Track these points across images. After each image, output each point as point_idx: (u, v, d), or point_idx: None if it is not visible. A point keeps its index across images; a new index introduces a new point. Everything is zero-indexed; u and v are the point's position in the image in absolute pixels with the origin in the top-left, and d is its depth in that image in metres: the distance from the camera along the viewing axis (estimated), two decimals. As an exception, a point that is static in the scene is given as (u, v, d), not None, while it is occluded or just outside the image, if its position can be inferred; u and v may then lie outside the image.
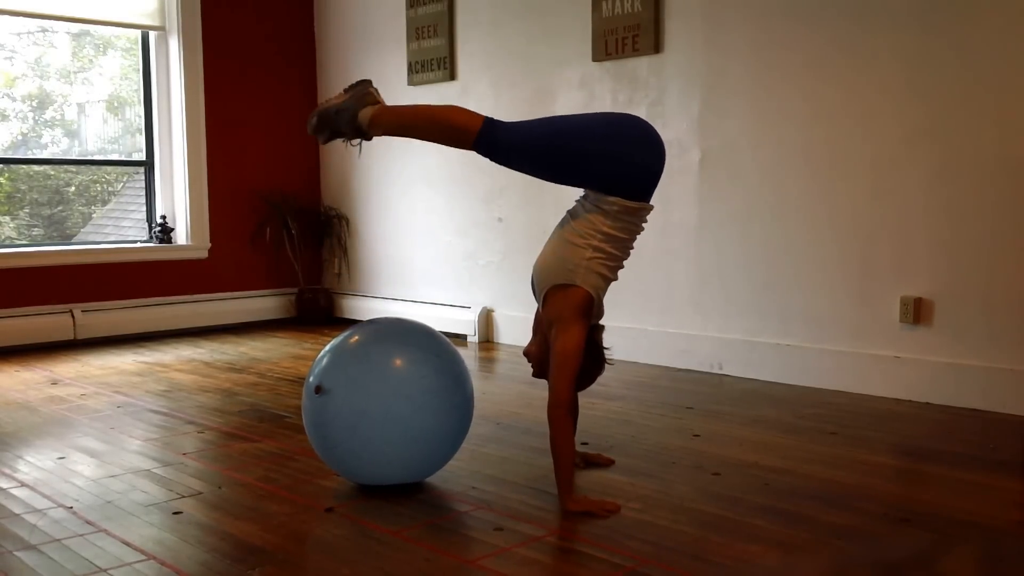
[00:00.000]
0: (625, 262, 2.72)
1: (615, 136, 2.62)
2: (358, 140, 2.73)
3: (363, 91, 2.69)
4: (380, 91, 2.78)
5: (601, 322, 2.82)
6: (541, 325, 2.78)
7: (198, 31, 6.02)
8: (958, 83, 3.66)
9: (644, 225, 2.69)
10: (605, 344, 2.83)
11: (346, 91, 2.72)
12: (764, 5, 4.21)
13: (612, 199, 2.58)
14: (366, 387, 2.59)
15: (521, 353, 2.94)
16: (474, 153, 2.67)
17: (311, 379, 2.66)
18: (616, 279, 2.71)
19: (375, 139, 2.76)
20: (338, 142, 2.78)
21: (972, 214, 3.65)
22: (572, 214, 2.69)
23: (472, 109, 2.68)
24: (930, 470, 2.92)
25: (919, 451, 3.13)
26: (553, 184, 2.75)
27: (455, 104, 2.73)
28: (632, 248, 2.71)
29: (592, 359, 2.74)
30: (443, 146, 2.73)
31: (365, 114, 2.66)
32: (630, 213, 2.62)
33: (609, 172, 2.58)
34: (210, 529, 2.44)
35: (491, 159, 2.67)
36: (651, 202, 2.67)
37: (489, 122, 2.62)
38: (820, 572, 2.15)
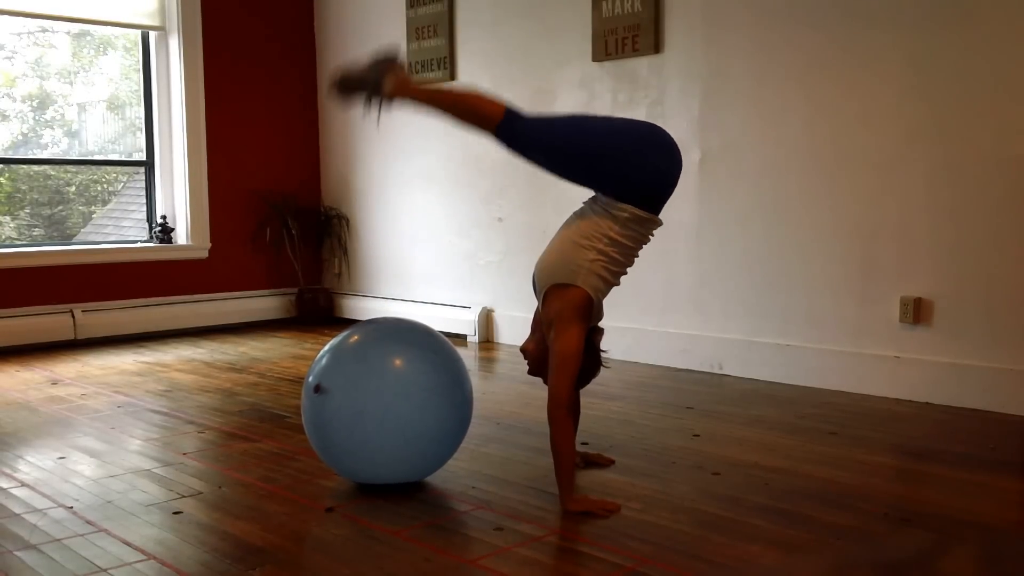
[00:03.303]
0: (629, 269, 2.72)
1: (637, 140, 2.62)
2: (378, 103, 2.68)
3: (393, 57, 2.69)
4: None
5: (600, 325, 2.82)
6: (539, 323, 2.78)
7: (198, 31, 6.02)
8: (959, 83, 3.66)
9: (652, 237, 2.70)
10: (603, 347, 2.82)
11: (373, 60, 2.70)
12: (764, 5, 4.21)
13: (624, 206, 2.58)
14: (365, 386, 2.59)
15: (520, 354, 2.93)
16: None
17: (310, 379, 2.67)
18: (618, 284, 2.71)
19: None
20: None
21: (972, 214, 3.65)
22: (580, 215, 2.69)
23: (493, 96, 2.68)
24: (930, 470, 2.92)
25: (919, 451, 3.13)
26: (553, 184, 2.75)
27: (480, 91, 2.71)
28: (637, 257, 2.72)
29: (590, 360, 2.74)
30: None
31: (395, 77, 2.65)
32: (639, 223, 2.62)
33: (626, 176, 2.58)
34: (210, 529, 2.44)
35: (508, 149, 2.67)
36: (660, 217, 2.66)
37: (510, 114, 2.62)
38: (820, 572, 2.14)
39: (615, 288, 2.72)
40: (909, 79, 3.78)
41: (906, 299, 3.83)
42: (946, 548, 2.26)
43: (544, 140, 2.64)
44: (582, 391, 2.88)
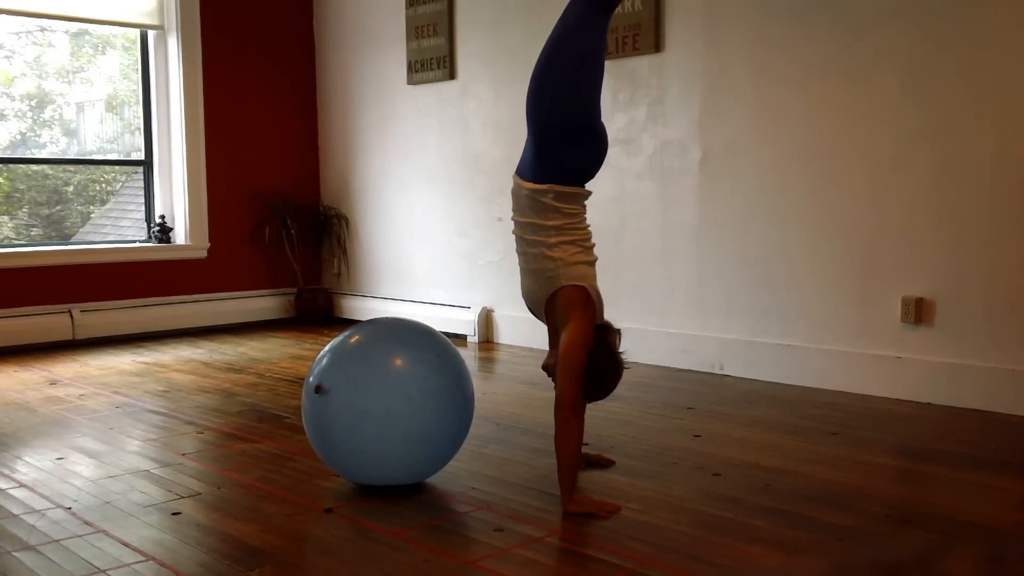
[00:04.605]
0: (608, 252, 2.71)
1: (595, 130, 2.67)
2: None
3: None
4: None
5: (612, 326, 2.79)
6: (556, 340, 2.78)
7: (197, 30, 6.01)
8: (959, 83, 3.65)
9: (585, 204, 2.73)
10: (620, 349, 2.77)
11: None
12: (765, 4, 4.20)
13: (545, 187, 2.61)
14: (367, 387, 2.58)
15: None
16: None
17: (311, 379, 2.66)
18: (596, 258, 2.73)
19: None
20: None
21: (973, 214, 3.65)
22: (521, 237, 2.72)
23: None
24: (931, 471, 2.91)
25: (920, 452, 3.12)
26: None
27: None
28: (586, 218, 2.72)
29: (610, 366, 2.68)
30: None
31: None
32: (565, 199, 2.64)
33: (569, 156, 2.61)
34: (209, 530, 2.43)
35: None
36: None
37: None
38: (821, 573, 2.14)
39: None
40: (909, 79, 3.78)
41: (907, 299, 3.82)
42: (947, 549, 2.26)
43: (576, 28, 2.62)
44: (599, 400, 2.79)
